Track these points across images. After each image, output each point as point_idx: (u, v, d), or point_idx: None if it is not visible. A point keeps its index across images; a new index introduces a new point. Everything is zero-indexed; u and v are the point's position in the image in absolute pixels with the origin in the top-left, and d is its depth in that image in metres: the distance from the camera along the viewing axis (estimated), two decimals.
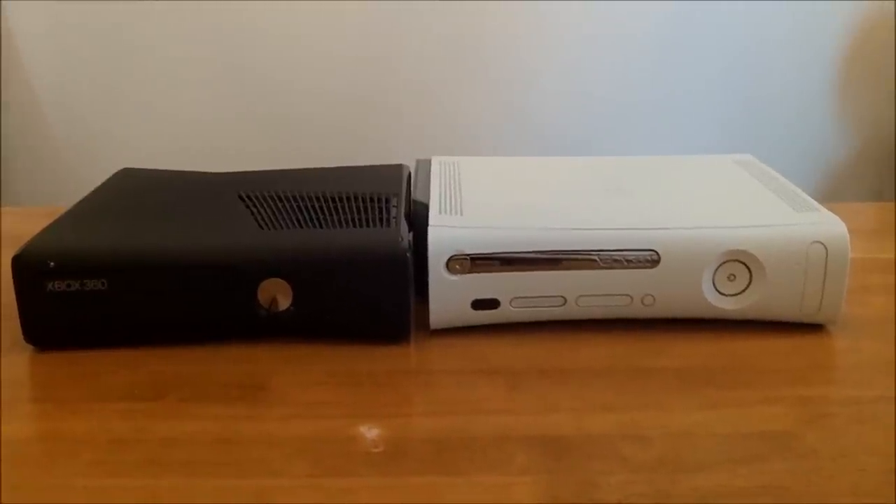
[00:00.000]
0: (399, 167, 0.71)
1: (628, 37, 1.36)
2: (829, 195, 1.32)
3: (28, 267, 0.56)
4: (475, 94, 1.36)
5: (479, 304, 0.59)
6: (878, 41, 1.38)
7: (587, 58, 1.36)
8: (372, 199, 0.63)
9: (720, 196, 0.67)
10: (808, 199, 0.64)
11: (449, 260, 0.58)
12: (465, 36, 1.34)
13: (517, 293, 0.59)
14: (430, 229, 0.58)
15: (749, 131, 1.40)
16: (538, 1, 1.32)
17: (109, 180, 0.70)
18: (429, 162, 0.73)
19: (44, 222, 0.61)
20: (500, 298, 0.59)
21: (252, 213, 0.62)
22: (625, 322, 0.60)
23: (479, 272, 0.58)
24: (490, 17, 1.33)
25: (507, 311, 0.59)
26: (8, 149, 1.34)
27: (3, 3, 1.29)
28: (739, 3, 1.35)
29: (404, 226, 0.60)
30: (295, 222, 0.61)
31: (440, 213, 0.61)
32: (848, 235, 0.58)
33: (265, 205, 0.63)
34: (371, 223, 0.60)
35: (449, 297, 0.59)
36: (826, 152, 1.43)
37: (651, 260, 0.58)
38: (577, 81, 1.37)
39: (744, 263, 0.59)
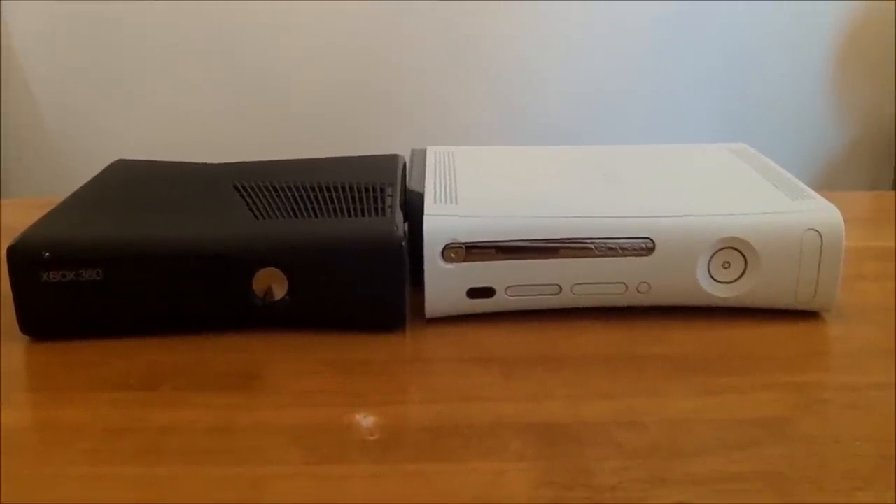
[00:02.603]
0: (394, 157, 0.71)
1: (625, 29, 1.36)
2: (824, 186, 1.32)
3: (23, 257, 0.56)
4: (471, 85, 1.36)
5: (474, 293, 0.59)
6: (873, 33, 1.38)
7: (584, 50, 1.36)
8: (367, 189, 0.63)
9: (715, 184, 0.67)
10: (803, 186, 0.64)
11: (444, 249, 0.58)
12: (460, 27, 1.34)
13: (512, 282, 0.59)
14: (425, 218, 0.58)
15: (745, 123, 1.40)
16: None
17: (104, 171, 0.70)
18: (424, 151, 0.73)
19: (39, 214, 0.60)
20: (495, 287, 0.59)
21: (247, 203, 0.62)
22: (620, 310, 0.60)
23: (474, 261, 0.58)
24: (485, 8, 1.33)
25: (502, 300, 0.59)
26: (4, 142, 1.34)
27: None
28: None
29: (399, 215, 0.60)
30: (290, 212, 0.60)
31: (435, 202, 0.61)
32: (843, 222, 0.58)
33: (260, 195, 0.63)
34: (366, 213, 0.60)
35: (444, 285, 0.59)
36: (821, 144, 1.44)
37: (646, 248, 0.58)
38: (574, 73, 1.37)
39: (739, 251, 0.59)
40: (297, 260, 0.57)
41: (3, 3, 1.29)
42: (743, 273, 0.59)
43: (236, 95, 1.34)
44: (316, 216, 0.60)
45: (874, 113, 1.42)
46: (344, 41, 1.33)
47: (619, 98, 1.38)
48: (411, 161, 0.71)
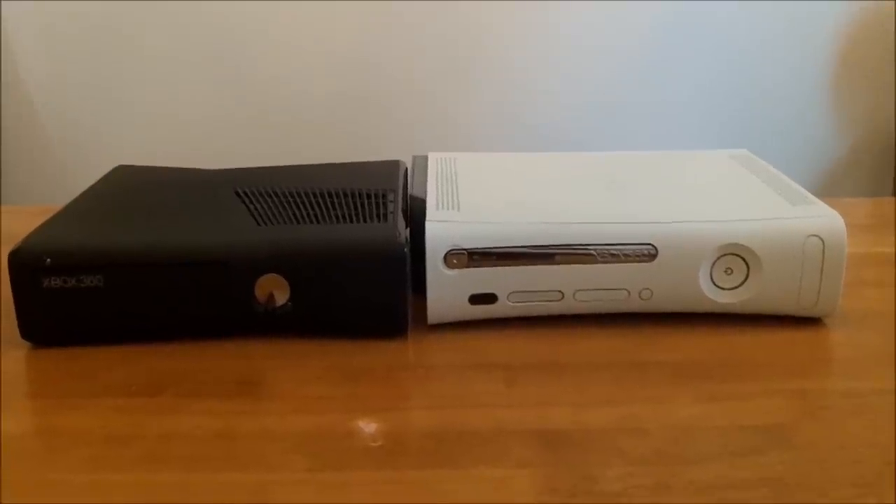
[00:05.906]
0: (396, 163, 0.71)
1: (624, 35, 1.36)
2: (824, 191, 1.32)
3: (24, 263, 0.55)
4: (472, 92, 1.36)
5: (476, 299, 0.59)
6: (873, 39, 1.39)
7: (583, 56, 1.37)
8: (369, 195, 0.63)
9: (717, 190, 0.67)
10: (805, 192, 0.64)
11: (446, 255, 0.58)
12: (461, 35, 1.34)
13: (514, 288, 0.59)
14: (427, 224, 0.58)
15: (745, 129, 1.40)
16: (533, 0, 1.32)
17: (105, 177, 0.70)
18: (425, 158, 0.73)
19: (38, 221, 0.60)
20: (497, 293, 0.59)
21: (248, 210, 0.62)
22: (622, 316, 0.60)
23: (476, 267, 0.58)
24: (486, 16, 1.33)
25: (504, 306, 0.59)
26: (4, 149, 1.33)
27: None
28: (735, 1, 1.35)
29: (401, 221, 0.60)
30: (292, 218, 0.60)
31: (437, 208, 0.61)
32: (845, 229, 0.58)
33: (262, 201, 0.63)
34: (368, 219, 0.60)
35: (446, 291, 0.59)
36: (821, 150, 1.44)
37: (648, 254, 0.58)
38: (573, 80, 1.37)
39: (741, 257, 0.59)
40: (298, 266, 0.57)
41: (3, 10, 1.29)
42: (745, 279, 0.59)
43: (237, 102, 1.34)
44: (318, 222, 0.60)
45: (875, 118, 1.43)
46: (345, 47, 1.33)
47: (618, 104, 1.38)
48: (413, 167, 0.71)
